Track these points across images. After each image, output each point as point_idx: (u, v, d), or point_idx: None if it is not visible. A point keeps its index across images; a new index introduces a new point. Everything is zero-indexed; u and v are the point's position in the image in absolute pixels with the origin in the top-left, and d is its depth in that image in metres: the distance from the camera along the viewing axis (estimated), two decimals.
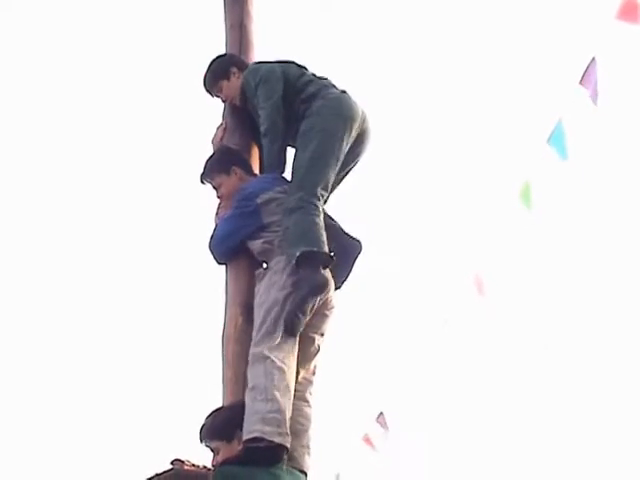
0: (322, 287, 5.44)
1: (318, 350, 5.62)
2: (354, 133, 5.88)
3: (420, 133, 10.13)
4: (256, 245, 5.65)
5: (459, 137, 10.11)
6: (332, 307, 5.64)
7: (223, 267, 5.83)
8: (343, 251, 5.74)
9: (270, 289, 5.46)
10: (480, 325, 8.68)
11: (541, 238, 8.07)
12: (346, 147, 5.83)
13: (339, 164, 5.81)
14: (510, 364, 9.44)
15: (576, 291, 9.77)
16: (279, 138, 5.86)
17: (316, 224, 5.56)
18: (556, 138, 7.33)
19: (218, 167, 5.88)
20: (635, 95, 7.80)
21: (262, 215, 5.62)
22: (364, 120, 5.97)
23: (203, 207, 6.09)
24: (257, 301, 5.51)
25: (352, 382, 8.47)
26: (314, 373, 5.63)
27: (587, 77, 7.09)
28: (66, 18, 10.77)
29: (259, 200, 5.62)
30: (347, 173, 6.03)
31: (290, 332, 5.33)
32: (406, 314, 9.05)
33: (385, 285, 9.27)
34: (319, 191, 5.67)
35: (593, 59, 7.12)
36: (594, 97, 7.01)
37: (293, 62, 6.17)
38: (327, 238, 5.61)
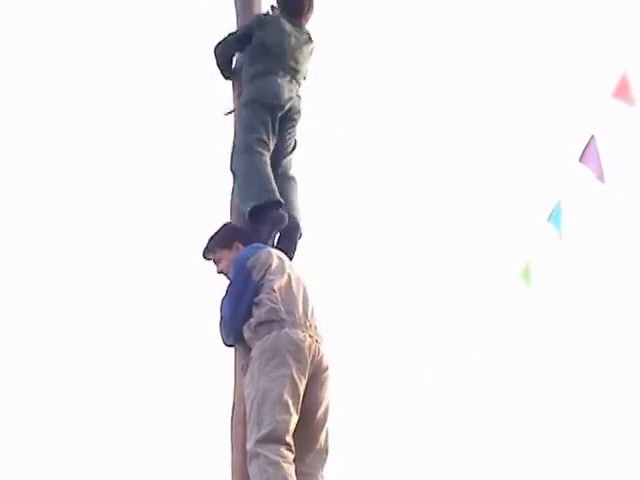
0: (281, 219, 6.09)
1: (325, 421, 5.55)
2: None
3: (420, 210, 10.15)
4: (244, 331, 5.65)
5: (460, 215, 10.13)
6: (326, 368, 5.59)
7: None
8: (287, 233, 6.21)
9: (252, 379, 5.44)
10: (480, 402, 8.64)
11: (540, 315, 8.07)
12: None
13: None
14: (513, 444, 9.37)
15: (576, 369, 9.72)
16: None
17: (255, 168, 6.25)
18: (556, 217, 7.38)
19: (221, 242, 6.02)
20: (634, 173, 7.86)
21: (253, 275, 5.68)
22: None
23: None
24: (245, 394, 5.48)
25: None
26: (326, 450, 5.56)
27: (587, 155, 7.15)
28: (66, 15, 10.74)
29: (248, 264, 5.71)
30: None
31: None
32: (408, 392, 8.99)
33: (390, 363, 9.22)
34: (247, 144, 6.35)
35: (592, 137, 7.19)
36: (600, 175, 7.06)
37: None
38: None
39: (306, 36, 6.78)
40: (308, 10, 6.84)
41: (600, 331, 9.60)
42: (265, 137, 6.37)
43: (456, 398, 8.67)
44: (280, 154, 6.54)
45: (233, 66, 6.80)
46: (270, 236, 6.10)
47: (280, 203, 6.15)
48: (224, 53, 6.76)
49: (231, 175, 6.45)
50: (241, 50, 6.72)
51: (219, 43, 6.77)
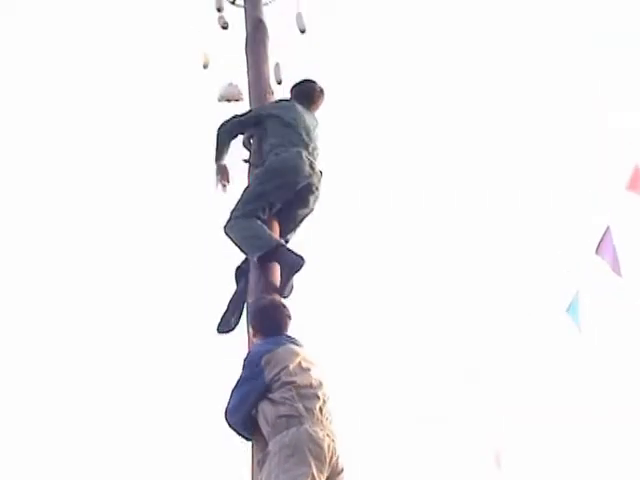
0: (300, 262, 6.30)
1: None
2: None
3: (439, 303, 10.22)
4: (262, 425, 5.59)
5: (478, 308, 10.18)
6: (341, 470, 5.49)
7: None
8: (286, 265, 6.34)
9: (270, 476, 5.33)
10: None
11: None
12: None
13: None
14: None
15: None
16: None
17: (251, 228, 6.43)
18: (574, 308, 7.42)
19: (251, 322, 6.11)
20: None
21: (265, 372, 5.61)
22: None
23: None
24: None
25: None
26: None
27: (603, 246, 7.22)
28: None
29: (263, 361, 5.65)
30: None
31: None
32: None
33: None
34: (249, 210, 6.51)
35: (608, 228, 7.27)
36: (616, 267, 7.12)
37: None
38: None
39: (316, 120, 7.01)
40: (319, 98, 7.10)
41: (619, 422, 9.58)
42: (263, 214, 6.55)
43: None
44: (287, 227, 6.70)
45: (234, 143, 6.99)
46: (289, 279, 6.32)
47: (282, 244, 6.39)
48: (228, 132, 6.94)
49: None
50: (243, 132, 6.95)
51: (225, 122, 6.94)
